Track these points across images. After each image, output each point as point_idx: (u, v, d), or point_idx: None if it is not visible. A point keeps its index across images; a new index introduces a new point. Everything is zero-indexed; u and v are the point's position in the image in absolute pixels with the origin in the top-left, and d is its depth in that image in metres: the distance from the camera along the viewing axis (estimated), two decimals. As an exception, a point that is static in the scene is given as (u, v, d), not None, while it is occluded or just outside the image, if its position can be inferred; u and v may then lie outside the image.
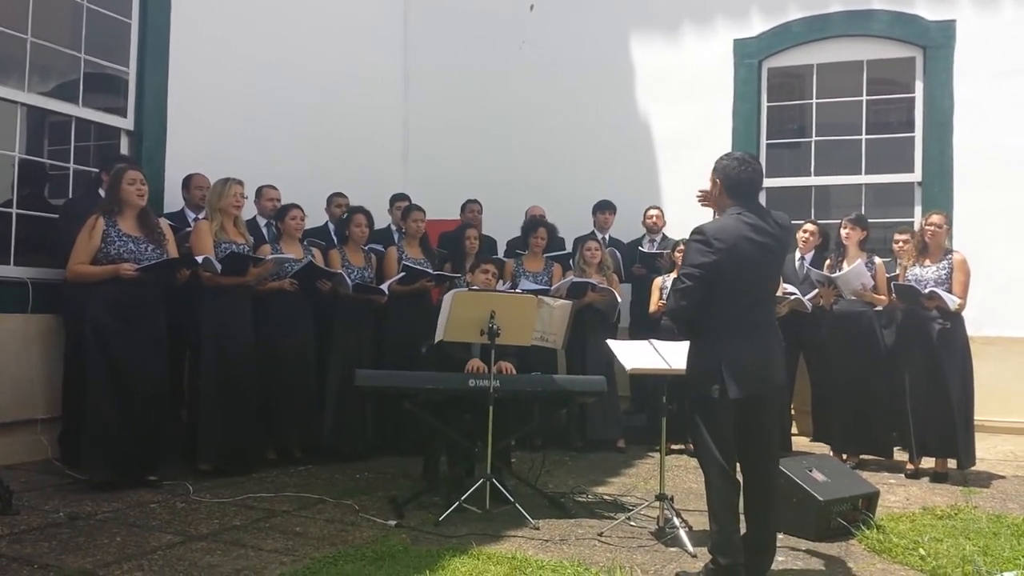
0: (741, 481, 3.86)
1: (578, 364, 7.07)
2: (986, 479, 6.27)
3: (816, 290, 6.79)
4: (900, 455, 6.73)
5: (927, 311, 6.21)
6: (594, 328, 7.02)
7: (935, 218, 6.43)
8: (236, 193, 5.92)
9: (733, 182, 3.88)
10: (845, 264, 6.65)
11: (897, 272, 6.66)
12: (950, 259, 6.31)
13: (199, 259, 5.52)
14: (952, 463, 6.27)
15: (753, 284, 3.77)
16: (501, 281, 7.39)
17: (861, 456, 6.66)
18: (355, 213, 6.84)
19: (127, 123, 6.91)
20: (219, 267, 5.60)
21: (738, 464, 3.86)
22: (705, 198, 4.10)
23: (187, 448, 5.83)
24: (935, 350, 6.18)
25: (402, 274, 6.74)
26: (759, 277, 3.79)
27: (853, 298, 6.60)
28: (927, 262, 6.36)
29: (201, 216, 6.22)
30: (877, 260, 6.76)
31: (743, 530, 3.84)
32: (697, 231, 3.82)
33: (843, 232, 6.74)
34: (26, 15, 6.18)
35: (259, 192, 7.00)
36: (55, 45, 6.48)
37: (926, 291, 6.16)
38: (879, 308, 6.67)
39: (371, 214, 6.95)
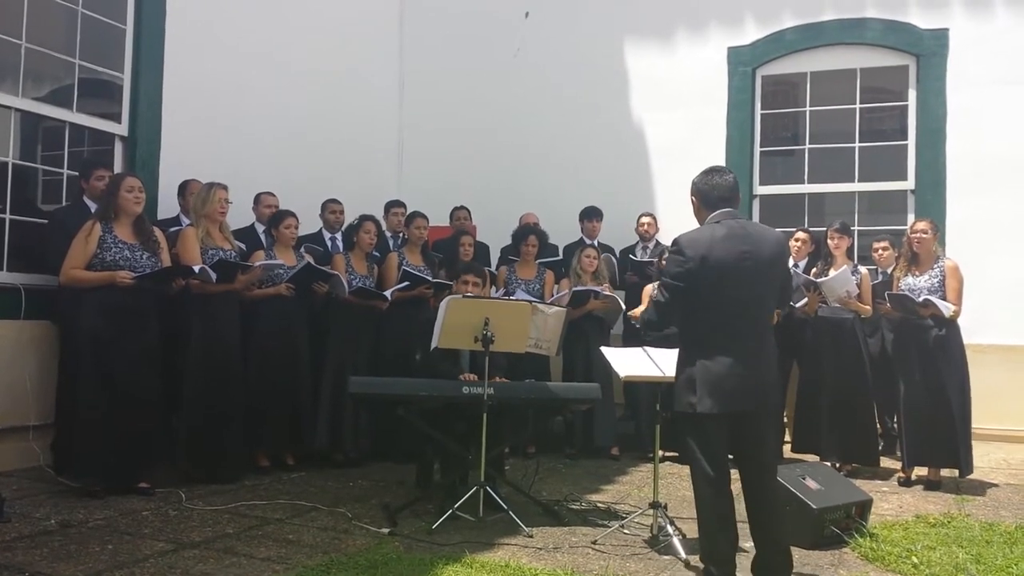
0: (743, 494, 3.88)
1: (581, 373, 7.06)
2: (979, 487, 6.28)
3: (805, 298, 6.80)
4: (886, 463, 6.73)
5: (922, 320, 6.21)
6: (595, 337, 6.98)
7: (920, 225, 6.43)
8: (221, 198, 5.88)
9: (704, 194, 3.93)
10: (832, 272, 6.65)
11: (880, 279, 6.67)
12: (941, 266, 6.30)
13: (196, 269, 5.50)
14: (945, 471, 6.27)
15: (731, 295, 3.72)
16: (494, 288, 7.40)
17: (854, 464, 6.65)
18: (365, 220, 6.85)
19: (121, 129, 6.90)
20: (214, 276, 5.58)
21: (738, 476, 3.88)
22: None
23: (177, 455, 5.81)
24: (933, 359, 6.16)
25: (406, 283, 6.73)
26: (737, 287, 3.72)
27: (837, 305, 6.59)
28: (917, 271, 6.35)
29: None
30: (862, 269, 6.76)
31: (751, 549, 3.84)
32: (673, 242, 3.86)
33: (831, 243, 6.71)
34: (20, 20, 6.17)
35: (257, 199, 7.02)
36: (49, 50, 6.48)
37: (920, 299, 6.16)
38: (863, 316, 6.67)
39: (380, 223, 6.94)
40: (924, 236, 6.32)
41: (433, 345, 5.19)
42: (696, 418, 3.73)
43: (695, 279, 3.73)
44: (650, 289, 7.12)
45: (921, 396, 6.21)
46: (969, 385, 6.24)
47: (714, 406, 3.67)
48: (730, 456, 3.87)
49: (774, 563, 3.78)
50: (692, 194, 3.99)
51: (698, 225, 3.99)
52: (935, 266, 6.31)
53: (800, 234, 7.47)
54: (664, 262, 6.79)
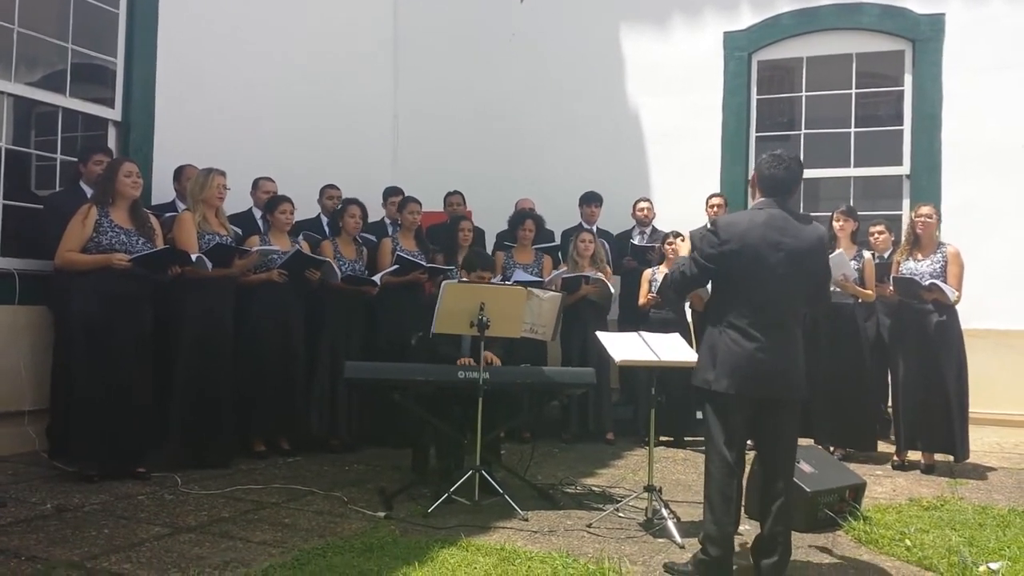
0: (758, 475, 3.92)
1: (577, 358, 7.07)
2: (972, 471, 6.31)
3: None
4: (879, 446, 6.74)
5: (923, 304, 6.22)
6: (591, 321, 6.99)
7: (925, 209, 6.43)
8: (219, 184, 5.88)
9: (763, 177, 3.91)
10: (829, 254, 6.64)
11: (877, 263, 6.68)
12: (943, 251, 6.31)
13: (193, 257, 5.49)
14: (940, 455, 6.30)
15: (762, 283, 3.72)
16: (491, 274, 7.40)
17: (850, 448, 6.66)
18: (349, 204, 6.83)
19: (115, 114, 6.87)
20: (210, 265, 5.57)
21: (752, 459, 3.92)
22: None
23: (174, 440, 5.82)
24: (932, 343, 6.18)
25: (395, 267, 6.73)
26: (769, 277, 3.72)
27: (835, 288, 6.56)
28: (919, 255, 6.36)
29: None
30: (866, 254, 6.73)
31: (744, 532, 3.86)
32: (712, 222, 3.89)
33: (836, 224, 6.68)
34: (13, 4, 6.13)
35: (255, 184, 7.01)
36: (42, 35, 6.44)
37: (927, 283, 6.16)
38: (861, 301, 6.67)
39: (365, 206, 6.94)
40: (929, 220, 6.34)
41: (432, 330, 5.19)
42: (714, 396, 3.75)
43: (727, 262, 3.75)
44: (648, 274, 7.18)
45: (918, 381, 6.23)
46: (967, 371, 6.26)
47: (730, 386, 3.68)
48: (749, 441, 3.90)
49: (777, 546, 3.79)
50: (755, 170, 4.00)
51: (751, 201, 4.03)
52: (937, 251, 6.32)
53: None
54: (671, 241, 6.87)
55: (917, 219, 6.40)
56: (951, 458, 6.27)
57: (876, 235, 7.18)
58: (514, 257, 7.53)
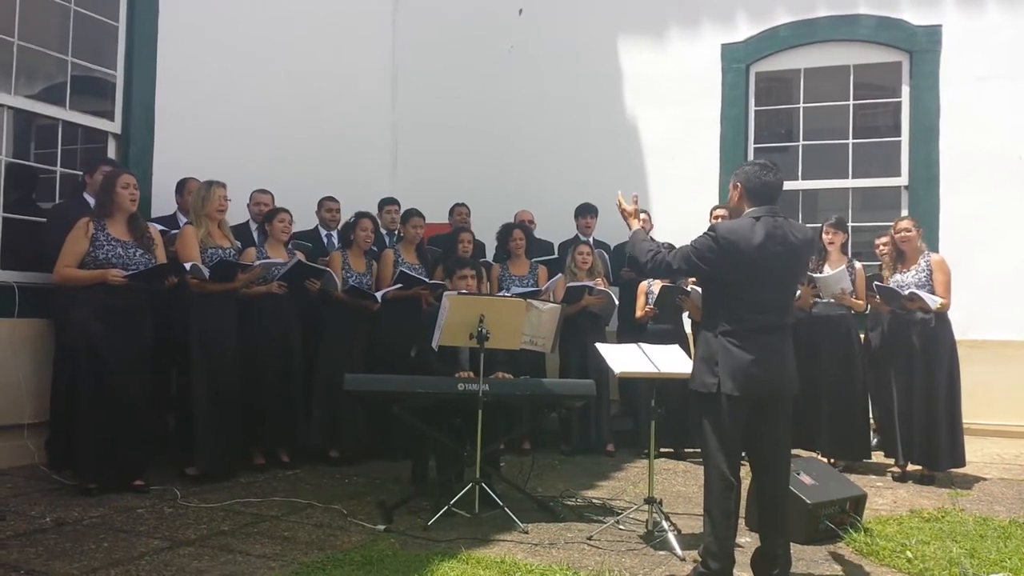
0: (755, 487, 3.92)
1: (577, 369, 7.07)
2: (972, 482, 6.31)
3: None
4: (880, 457, 6.74)
5: (911, 313, 6.25)
6: (591, 333, 7.01)
7: (903, 224, 6.55)
8: (220, 196, 5.89)
9: (753, 186, 3.92)
10: (827, 267, 6.68)
11: (881, 275, 6.71)
12: (927, 261, 6.38)
13: (187, 266, 5.49)
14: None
15: (763, 288, 3.77)
16: (488, 284, 7.40)
17: (848, 459, 6.66)
18: (361, 218, 6.83)
19: (114, 127, 6.88)
20: (207, 273, 5.58)
21: (748, 468, 3.92)
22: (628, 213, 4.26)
23: (174, 453, 5.82)
24: (921, 352, 6.22)
25: (398, 285, 6.72)
26: (770, 282, 3.78)
27: (832, 300, 6.62)
28: (904, 268, 6.44)
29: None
30: (858, 265, 6.80)
31: (745, 545, 3.85)
32: (711, 228, 3.90)
33: (826, 237, 6.75)
34: (13, 18, 6.14)
35: (251, 197, 7.00)
36: (42, 48, 6.45)
37: (907, 292, 6.20)
38: (856, 312, 6.70)
39: (377, 220, 6.93)
40: (908, 234, 6.43)
41: (435, 344, 5.19)
42: (716, 400, 3.74)
43: (725, 268, 3.77)
44: (644, 286, 7.17)
45: (908, 392, 6.26)
46: (959, 379, 6.28)
47: (735, 388, 3.69)
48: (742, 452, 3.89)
49: (778, 557, 3.79)
50: (739, 181, 3.97)
51: (731, 211, 4.03)
52: (921, 261, 6.39)
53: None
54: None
55: (897, 235, 6.50)
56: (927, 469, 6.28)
57: (882, 247, 7.14)
58: (509, 270, 7.54)
